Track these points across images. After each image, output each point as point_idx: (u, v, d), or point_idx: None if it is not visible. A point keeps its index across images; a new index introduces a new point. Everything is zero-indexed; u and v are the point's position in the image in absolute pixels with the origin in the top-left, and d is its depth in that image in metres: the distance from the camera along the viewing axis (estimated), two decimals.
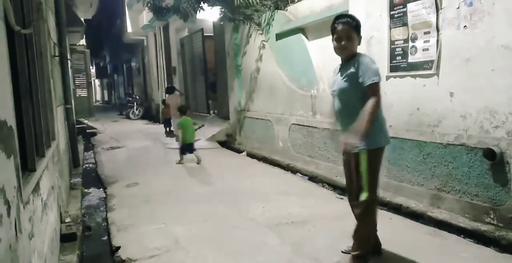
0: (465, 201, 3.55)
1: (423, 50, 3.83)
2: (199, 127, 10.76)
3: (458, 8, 3.47)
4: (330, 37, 2.85)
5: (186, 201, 4.82)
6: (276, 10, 6.82)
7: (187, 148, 7.00)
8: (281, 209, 4.29)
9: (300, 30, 6.13)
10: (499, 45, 3.17)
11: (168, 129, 11.31)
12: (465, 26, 3.43)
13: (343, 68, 2.83)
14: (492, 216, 3.31)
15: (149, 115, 16.86)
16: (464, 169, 3.55)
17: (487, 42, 3.27)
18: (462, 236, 3.37)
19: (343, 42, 2.73)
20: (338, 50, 2.79)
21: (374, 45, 4.42)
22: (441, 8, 3.62)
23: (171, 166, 7.01)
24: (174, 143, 9.62)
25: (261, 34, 7.24)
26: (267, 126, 7.26)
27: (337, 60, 2.93)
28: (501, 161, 3.20)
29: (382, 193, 4.40)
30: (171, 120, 11.01)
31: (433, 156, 3.85)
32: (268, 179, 5.84)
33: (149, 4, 8.59)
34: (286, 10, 6.65)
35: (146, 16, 15.13)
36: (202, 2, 7.63)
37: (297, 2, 6.60)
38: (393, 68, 4.20)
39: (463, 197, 3.57)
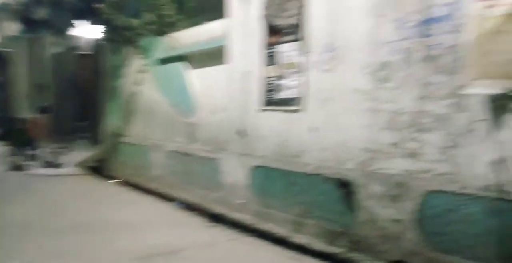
0: (323, 226, 3.89)
1: (291, 88, 4.21)
2: (62, 150, 9.82)
3: (321, 53, 3.94)
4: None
5: (43, 234, 4.33)
6: (159, 36, 6.81)
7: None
8: (151, 240, 4.15)
9: (183, 58, 6.20)
10: (352, 88, 3.67)
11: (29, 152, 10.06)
12: (326, 69, 3.90)
13: None
14: (344, 239, 3.69)
15: (10, 135, 14.89)
16: (322, 196, 3.91)
17: (342, 84, 3.75)
18: (319, 259, 3.67)
19: None
20: None
21: (250, 80, 4.70)
22: (307, 52, 4.06)
23: (29, 195, 6.25)
24: (34, 168, 8.63)
25: (143, 58, 7.12)
26: (144, 152, 7.02)
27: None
28: (351, 190, 3.64)
29: (252, 220, 4.59)
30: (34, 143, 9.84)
31: (297, 184, 4.17)
32: (139, 208, 5.61)
33: (17, 15, 7.81)
34: (170, 37, 6.68)
35: (16, 26, 13.70)
36: (78, 19, 7.24)
37: (181, 30, 6.70)
38: (266, 103, 4.52)
39: (321, 222, 3.92)
